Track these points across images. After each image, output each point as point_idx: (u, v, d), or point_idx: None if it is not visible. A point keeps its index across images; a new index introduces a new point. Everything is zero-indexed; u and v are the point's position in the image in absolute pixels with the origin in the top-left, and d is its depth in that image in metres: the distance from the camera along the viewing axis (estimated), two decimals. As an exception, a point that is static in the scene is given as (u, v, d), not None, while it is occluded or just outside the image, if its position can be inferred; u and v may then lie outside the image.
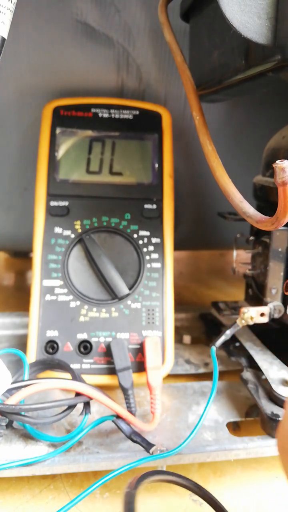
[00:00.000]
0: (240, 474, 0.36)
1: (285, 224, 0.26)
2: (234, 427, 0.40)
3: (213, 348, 0.40)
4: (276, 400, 0.36)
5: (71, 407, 0.34)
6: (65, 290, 0.42)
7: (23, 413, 0.32)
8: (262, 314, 0.41)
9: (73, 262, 0.43)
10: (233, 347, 0.46)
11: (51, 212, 0.44)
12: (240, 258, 0.48)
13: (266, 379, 0.38)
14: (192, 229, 0.60)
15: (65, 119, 0.45)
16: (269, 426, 0.34)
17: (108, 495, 0.34)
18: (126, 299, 0.42)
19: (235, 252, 0.48)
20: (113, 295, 0.42)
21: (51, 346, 0.41)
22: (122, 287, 0.42)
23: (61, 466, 0.32)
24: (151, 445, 0.33)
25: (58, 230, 0.43)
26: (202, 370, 0.46)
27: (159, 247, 0.44)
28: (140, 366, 0.41)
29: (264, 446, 0.34)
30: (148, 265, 0.43)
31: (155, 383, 0.38)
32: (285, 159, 0.24)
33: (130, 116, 0.46)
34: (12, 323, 0.53)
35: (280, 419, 0.34)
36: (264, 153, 0.44)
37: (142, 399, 0.40)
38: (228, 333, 0.41)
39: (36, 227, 0.43)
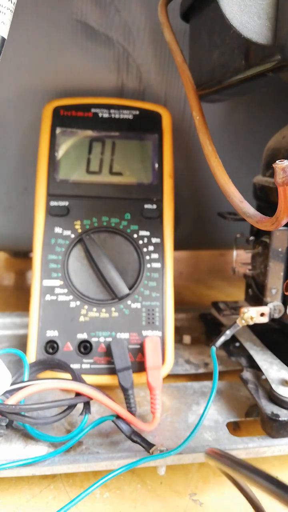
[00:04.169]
0: (240, 474, 0.36)
1: (285, 224, 0.26)
2: (234, 427, 0.40)
3: (213, 348, 0.39)
4: (276, 400, 0.36)
5: (71, 407, 0.34)
6: (65, 290, 0.42)
7: (23, 413, 0.32)
8: (262, 314, 0.41)
9: (73, 262, 0.43)
10: (233, 347, 0.46)
11: (51, 212, 0.44)
12: (240, 258, 0.48)
13: (266, 379, 0.38)
14: (192, 229, 0.60)
15: (65, 119, 0.45)
16: (269, 426, 0.34)
17: (108, 495, 0.34)
18: (126, 299, 0.42)
19: (235, 252, 0.48)
20: (113, 295, 0.42)
21: (51, 346, 0.41)
22: (122, 287, 0.42)
23: (61, 466, 0.32)
24: (151, 445, 0.33)
25: (58, 230, 0.43)
26: (202, 370, 0.46)
27: (159, 247, 0.44)
28: (140, 366, 0.41)
29: (264, 446, 0.34)
30: (148, 265, 0.43)
31: (155, 383, 0.38)
32: (285, 159, 0.24)
33: (130, 116, 0.46)
34: (12, 323, 0.53)
35: (280, 419, 0.34)
36: (264, 153, 0.44)
37: (142, 399, 0.40)
38: (228, 333, 0.41)
39: (36, 227, 0.43)
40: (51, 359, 0.40)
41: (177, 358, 0.47)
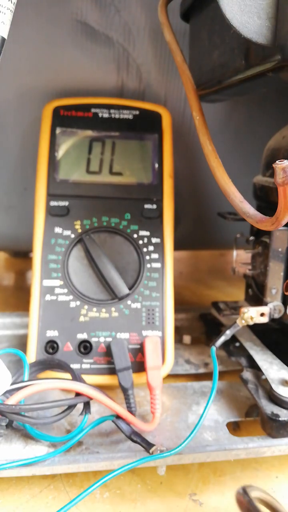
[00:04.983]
0: (240, 474, 0.36)
1: (285, 224, 0.26)
2: (234, 427, 0.40)
3: (213, 348, 0.40)
4: (276, 400, 0.36)
5: (71, 407, 0.34)
6: (65, 290, 0.42)
7: (23, 413, 0.32)
8: (262, 314, 0.41)
9: (73, 262, 0.43)
10: (233, 347, 0.46)
11: (51, 212, 0.44)
12: (240, 258, 0.48)
13: (266, 379, 0.38)
14: (192, 229, 0.60)
15: (65, 119, 0.45)
16: (269, 426, 0.34)
17: (108, 495, 0.34)
18: (126, 299, 0.42)
19: (235, 252, 0.48)
20: (113, 295, 0.42)
21: (51, 346, 0.41)
22: (122, 287, 0.42)
23: (61, 466, 0.32)
24: (151, 445, 0.33)
25: (58, 230, 0.43)
26: (202, 370, 0.46)
27: (159, 247, 0.44)
28: (140, 366, 0.41)
29: (264, 446, 0.34)
30: (148, 265, 0.43)
31: (155, 383, 0.38)
32: (285, 159, 0.24)
33: (130, 116, 0.46)
34: (12, 323, 0.53)
35: (280, 419, 0.34)
36: (264, 153, 0.44)
37: (142, 399, 0.40)
38: (228, 333, 0.41)
39: (36, 227, 0.43)
40: (51, 359, 0.40)
41: (177, 358, 0.47)
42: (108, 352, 0.41)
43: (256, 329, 0.46)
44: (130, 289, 0.42)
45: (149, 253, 0.43)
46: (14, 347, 0.44)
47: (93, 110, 0.46)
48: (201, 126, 0.35)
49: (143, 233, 0.44)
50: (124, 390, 0.38)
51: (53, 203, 0.44)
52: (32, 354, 0.41)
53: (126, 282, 0.42)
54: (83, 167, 0.45)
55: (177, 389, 0.42)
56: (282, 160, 0.24)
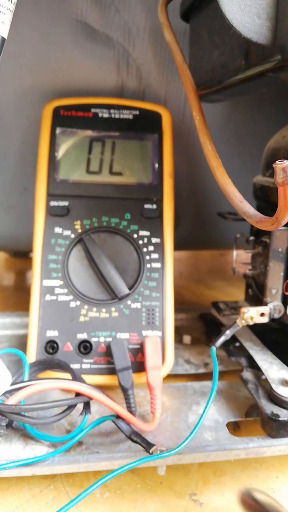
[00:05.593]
0: (240, 474, 0.36)
1: (285, 224, 0.26)
2: (234, 427, 0.40)
3: (213, 348, 0.40)
4: (276, 400, 0.36)
5: (71, 407, 0.34)
6: (65, 290, 0.42)
7: (23, 413, 0.32)
8: (262, 314, 0.41)
9: (73, 262, 0.43)
10: (233, 347, 0.46)
11: (51, 212, 0.44)
12: (240, 258, 0.48)
13: (266, 379, 0.38)
14: (192, 229, 0.60)
15: (65, 119, 0.45)
16: (269, 426, 0.34)
17: (108, 495, 0.34)
18: (126, 299, 0.42)
19: (235, 252, 0.48)
20: (113, 295, 0.42)
21: (51, 346, 0.41)
22: (122, 287, 0.42)
23: (61, 466, 0.32)
24: (151, 445, 0.33)
25: (58, 230, 0.43)
26: (202, 370, 0.46)
27: (159, 247, 0.44)
28: (140, 366, 0.41)
29: (264, 446, 0.34)
30: (148, 265, 0.43)
31: (155, 383, 0.38)
32: (285, 159, 0.24)
33: (130, 116, 0.46)
34: (12, 323, 0.53)
35: (280, 419, 0.34)
36: (264, 153, 0.44)
37: (142, 399, 0.40)
38: (228, 333, 0.41)
39: (36, 227, 0.43)
40: (51, 359, 0.40)
41: (177, 358, 0.47)
42: (108, 352, 0.41)
43: (256, 329, 0.46)
44: (130, 289, 0.42)
45: (149, 253, 0.43)
46: (14, 347, 0.44)
47: (93, 110, 0.46)
48: (201, 126, 0.35)
49: (143, 233, 0.44)
50: (124, 390, 0.38)
51: (53, 203, 0.44)
52: (32, 354, 0.41)
53: (126, 282, 0.42)
54: (83, 167, 0.45)
55: (177, 389, 0.42)
56: (282, 160, 0.24)
